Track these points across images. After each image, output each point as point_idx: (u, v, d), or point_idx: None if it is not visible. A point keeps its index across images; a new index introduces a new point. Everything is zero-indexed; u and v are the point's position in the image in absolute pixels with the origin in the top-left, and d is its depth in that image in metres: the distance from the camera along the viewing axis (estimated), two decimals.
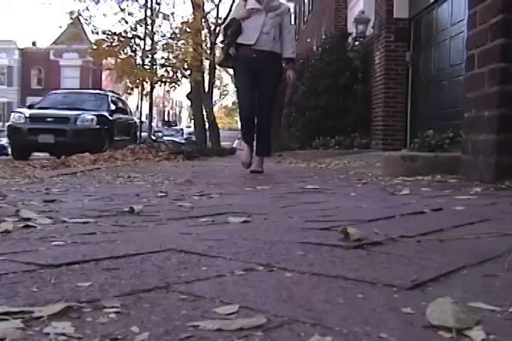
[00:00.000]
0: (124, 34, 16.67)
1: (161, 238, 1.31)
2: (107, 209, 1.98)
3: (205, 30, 20.15)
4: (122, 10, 17.11)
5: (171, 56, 17.26)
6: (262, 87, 5.14)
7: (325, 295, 0.81)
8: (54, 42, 38.03)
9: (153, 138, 19.58)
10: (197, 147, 12.58)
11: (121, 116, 13.72)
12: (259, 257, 1.08)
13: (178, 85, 17.86)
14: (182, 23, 17.04)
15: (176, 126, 53.51)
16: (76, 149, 11.35)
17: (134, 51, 17.04)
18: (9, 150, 13.79)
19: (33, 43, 46.36)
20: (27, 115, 11.96)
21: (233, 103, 54.35)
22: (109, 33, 16.59)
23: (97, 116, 12.02)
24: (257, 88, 5.17)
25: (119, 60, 16.65)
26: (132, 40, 16.88)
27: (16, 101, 42.26)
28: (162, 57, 17.54)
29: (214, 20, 26.91)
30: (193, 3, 18.21)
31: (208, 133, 21.38)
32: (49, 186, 3.38)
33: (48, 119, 11.77)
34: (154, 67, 17.18)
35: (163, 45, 17.29)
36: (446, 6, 7.51)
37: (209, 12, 25.09)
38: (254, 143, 5.27)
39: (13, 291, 0.83)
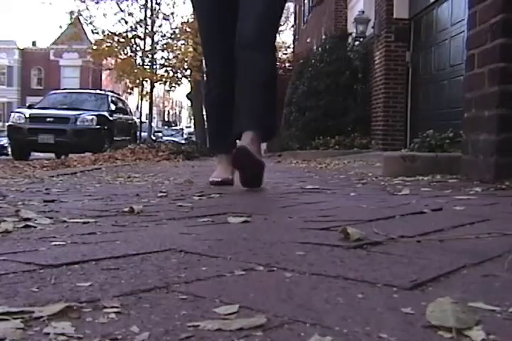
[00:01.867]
0: (124, 34, 16.67)
1: (161, 238, 1.31)
2: (107, 209, 1.98)
3: None
4: (122, 10, 17.11)
5: (171, 56, 17.27)
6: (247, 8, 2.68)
7: (325, 295, 0.81)
8: (54, 42, 38.02)
9: (153, 138, 19.59)
10: (197, 147, 12.58)
11: (121, 116, 13.73)
12: (259, 257, 1.08)
13: (178, 85, 17.85)
14: (182, 23, 17.03)
15: (176, 126, 53.57)
16: (76, 149, 11.39)
17: (134, 51, 17.03)
18: (9, 150, 13.79)
19: (33, 43, 46.39)
20: (27, 115, 11.97)
21: None
22: (109, 33, 16.59)
23: (97, 116, 12.03)
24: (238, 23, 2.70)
25: (119, 60, 16.65)
26: (132, 40, 16.88)
27: (16, 101, 42.27)
28: (162, 57, 17.55)
29: None
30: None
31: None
32: (49, 186, 3.38)
33: (48, 119, 11.79)
34: (154, 67, 17.18)
35: (163, 45, 17.29)
36: (446, 6, 7.52)
37: None
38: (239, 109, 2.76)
39: (13, 291, 0.83)
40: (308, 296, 0.81)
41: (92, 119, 11.80)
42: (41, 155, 12.69)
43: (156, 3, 17.42)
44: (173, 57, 17.16)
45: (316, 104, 10.48)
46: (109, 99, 13.53)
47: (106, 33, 16.52)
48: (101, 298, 0.79)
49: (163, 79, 17.05)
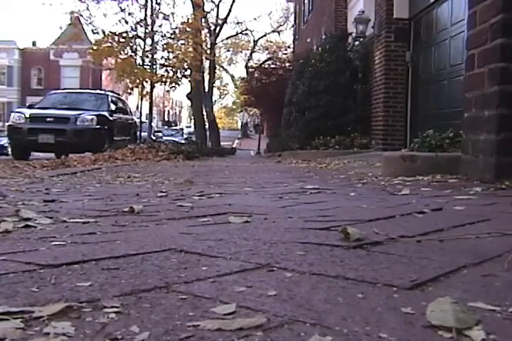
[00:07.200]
0: (124, 34, 16.65)
1: (161, 238, 1.31)
2: (107, 209, 1.98)
3: (205, 30, 20.10)
4: (122, 10, 17.10)
5: (171, 56, 17.25)
6: None
7: (325, 295, 0.81)
8: (54, 43, 38.02)
9: (153, 138, 19.58)
10: (197, 147, 12.57)
11: (121, 116, 13.71)
12: (259, 257, 1.08)
13: (178, 85, 17.85)
14: (182, 23, 17.02)
15: (176, 126, 53.58)
16: (76, 149, 11.39)
17: (134, 51, 17.02)
18: (9, 150, 13.78)
19: (33, 43, 46.35)
20: (27, 115, 11.95)
21: (233, 103, 54.36)
22: (110, 33, 16.58)
23: (97, 116, 12.01)
24: None
25: (119, 60, 16.64)
26: (132, 40, 16.86)
27: (16, 101, 42.25)
28: (162, 57, 17.54)
29: (214, 20, 27.00)
30: (193, 3, 18.21)
31: (208, 133, 21.38)
32: (49, 186, 3.38)
33: (48, 119, 11.76)
34: (154, 67, 17.17)
35: (163, 45, 17.29)
36: (446, 6, 7.51)
37: (209, 12, 25.09)
38: None
39: (13, 291, 0.83)
40: (309, 296, 0.81)
41: (92, 119, 11.78)
42: (41, 155, 12.68)
43: (156, 3, 17.41)
44: (173, 57, 17.14)
45: (316, 103, 10.47)
46: (109, 99, 13.52)
47: (106, 33, 16.51)
48: (101, 298, 0.79)
49: (163, 79, 17.04)
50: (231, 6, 26.39)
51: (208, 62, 22.40)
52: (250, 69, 26.28)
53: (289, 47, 27.11)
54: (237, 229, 1.48)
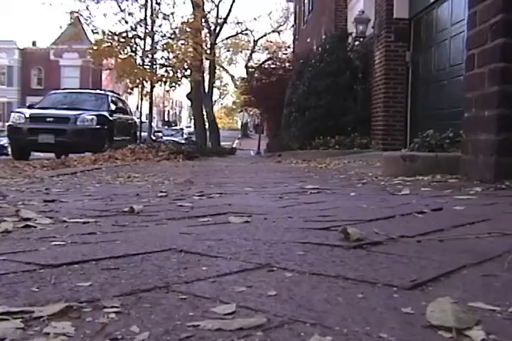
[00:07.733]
0: (124, 34, 16.65)
1: (161, 238, 1.31)
2: (107, 209, 1.98)
3: (205, 30, 20.08)
4: (122, 10, 17.09)
5: (171, 56, 17.25)
6: None
7: (325, 295, 0.81)
8: (54, 43, 38.03)
9: (153, 138, 19.57)
10: (197, 147, 12.59)
11: (121, 116, 13.71)
12: (259, 257, 1.08)
13: (178, 85, 17.84)
14: (182, 23, 17.02)
15: (176, 126, 53.60)
16: (76, 149, 11.40)
17: (134, 51, 17.01)
18: (9, 150, 13.78)
19: (33, 43, 46.37)
20: (27, 115, 11.95)
21: (233, 103, 54.35)
22: (110, 33, 16.57)
23: (97, 116, 12.01)
24: None
25: (119, 60, 16.63)
26: (132, 40, 16.86)
27: (16, 101, 42.26)
28: (162, 57, 17.53)
29: (214, 20, 27.01)
30: (193, 3, 18.20)
31: (208, 133, 21.39)
32: (49, 186, 3.38)
33: (48, 119, 11.76)
34: (154, 67, 17.16)
35: (163, 44, 17.28)
36: (446, 6, 7.51)
37: (209, 12, 25.08)
38: None
39: (13, 291, 0.83)
40: (309, 296, 0.81)
41: (92, 119, 11.78)
42: (41, 155, 12.68)
43: (156, 3, 17.39)
44: (173, 57, 17.12)
45: (316, 104, 10.47)
46: (109, 99, 13.53)
47: (106, 33, 16.49)
48: (101, 298, 0.79)
49: (163, 79, 17.03)
50: (231, 6, 26.38)
51: (208, 62, 22.39)
52: (250, 69, 26.27)
53: (289, 47, 27.11)
54: (237, 229, 1.48)
